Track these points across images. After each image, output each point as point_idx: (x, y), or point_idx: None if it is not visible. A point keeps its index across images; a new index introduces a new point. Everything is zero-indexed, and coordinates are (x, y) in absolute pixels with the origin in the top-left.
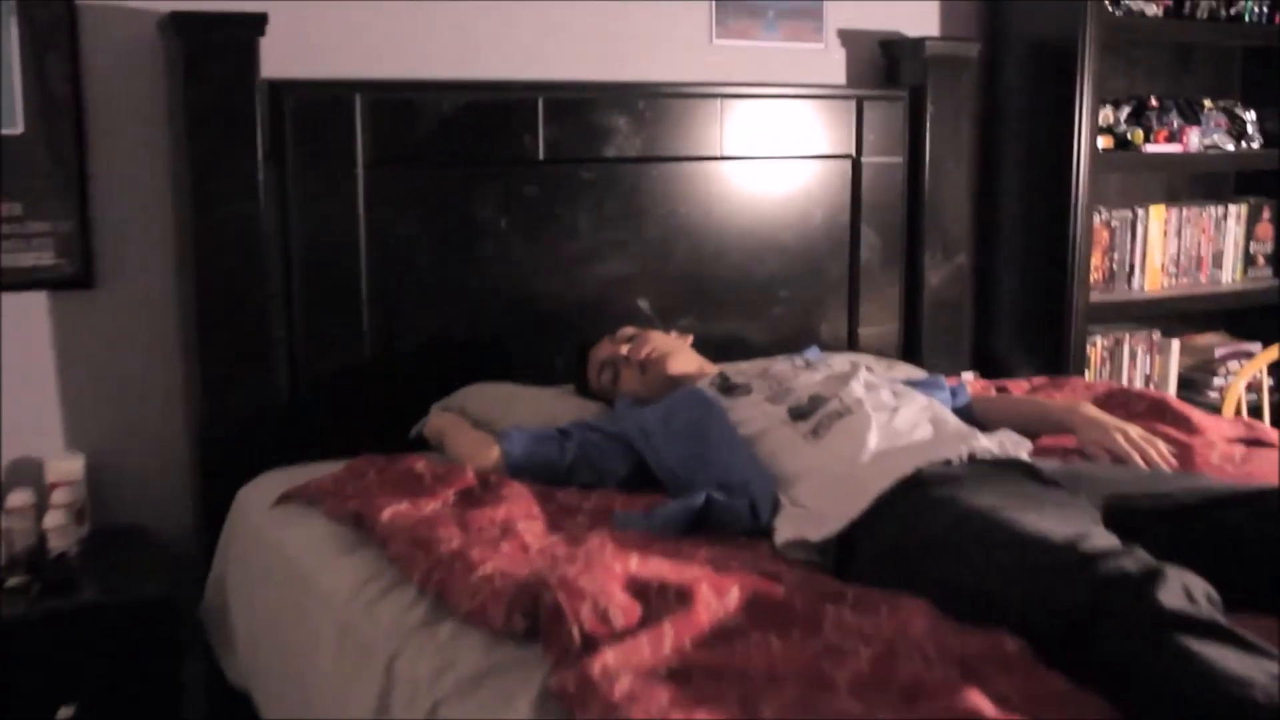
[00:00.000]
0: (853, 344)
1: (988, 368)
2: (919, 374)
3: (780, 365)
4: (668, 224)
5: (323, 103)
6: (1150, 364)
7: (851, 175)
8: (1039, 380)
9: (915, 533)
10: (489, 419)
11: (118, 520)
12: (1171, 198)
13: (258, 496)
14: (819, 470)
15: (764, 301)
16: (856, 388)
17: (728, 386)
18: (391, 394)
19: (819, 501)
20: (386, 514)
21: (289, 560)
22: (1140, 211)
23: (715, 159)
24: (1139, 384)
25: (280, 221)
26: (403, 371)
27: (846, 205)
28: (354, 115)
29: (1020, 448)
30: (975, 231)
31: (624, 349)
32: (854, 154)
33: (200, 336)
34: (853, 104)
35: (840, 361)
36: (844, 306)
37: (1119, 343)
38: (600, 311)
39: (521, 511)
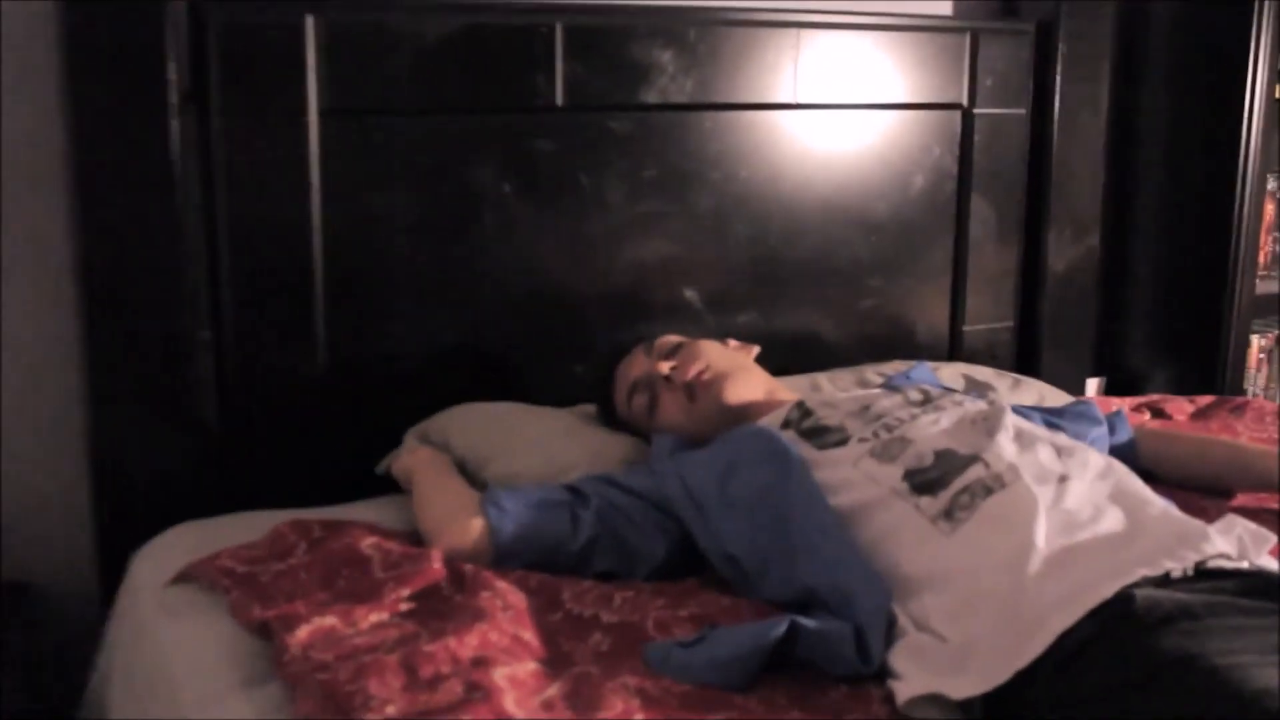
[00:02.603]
0: (955, 345)
1: (1116, 375)
2: (1054, 394)
3: (886, 400)
4: (724, 192)
5: (260, 28)
6: None
7: (961, 130)
8: (1203, 400)
9: (1129, 708)
10: (478, 458)
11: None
12: None
13: (156, 565)
14: (960, 578)
15: (847, 292)
16: (1005, 443)
17: (812, 428)
18: (354, 419)
19: (963, 630)
20: (303, 634)
21: (173, 689)
22: None
23: (787, 107)
24: None
25: (203, 194)
26: (370, 389)
27: (954, 169)
28: (303, 45)
29: (1262, 545)
30: (1106, 205)
31: (665, 366)
32: (965, 103)
33: (90, 346)
34: (965, 39)
35: (954, 386)
36: (946, 298)
37: (1278, 342)
38: (634, 307)
39: (506, 637)
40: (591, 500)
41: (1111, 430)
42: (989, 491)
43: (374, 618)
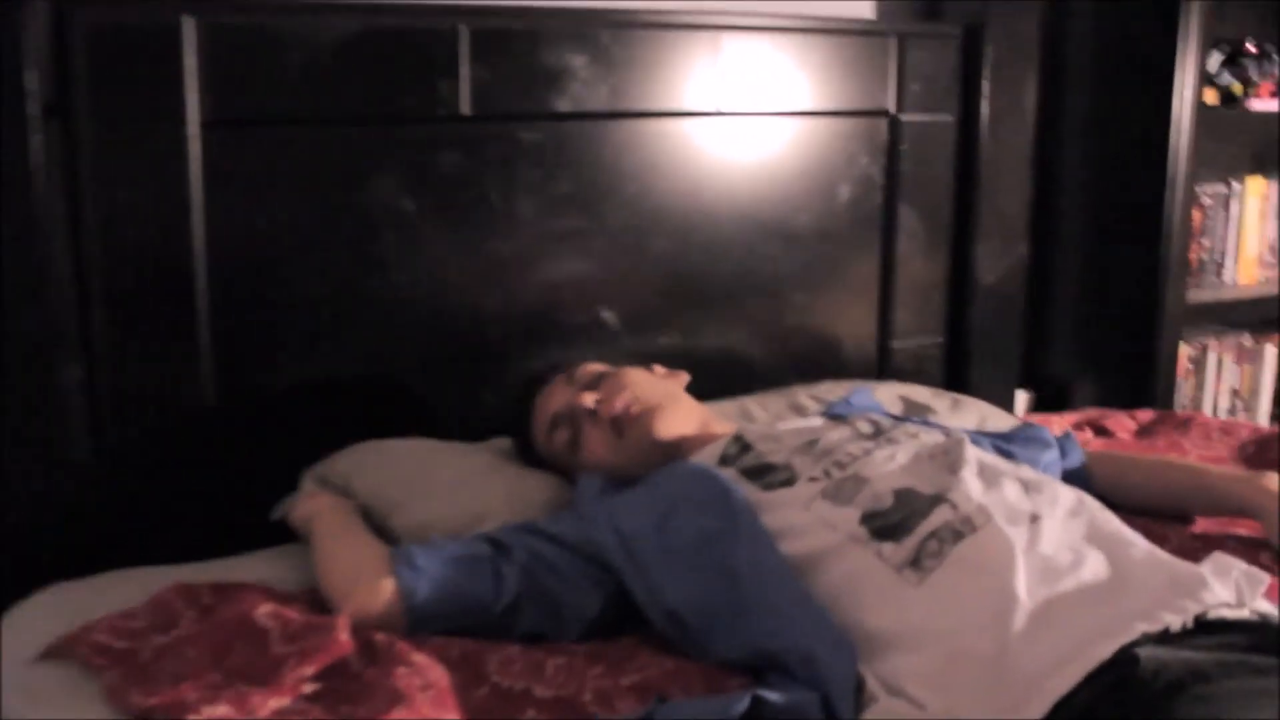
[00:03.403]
0: (884, 362)
1: (1042, 388)
2: (996, 415)
3: (833, 433)
4: (642, 206)
5: (132, 30)
6: (1240, 377)
7: (888, 138)
8: (1144, 415)
9: None
10: (384, 505)
11: None
12: (1262, 168)
13: (19, 636)
14: (934, 635)
15: (771, 309)
16: (970, 481)
17: (755, 466)
18: (245, 458)
19: (943, 697)
20: None
21: None
22: (1236, 186)
23: (707, 115)
24: (1225, 401)
25: (70, 212)
26: (262, 425)
27: (881, 179)
28: (181, 49)
29: (1258, 587)
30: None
31: (589, 398)
32: (892, 109)
33: None
34: (891, 43)
35: (891, 411)
36: (873, 312)
37: (1204, 351)
38: (547, 330)
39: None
40: (515, 553)
41: (1062, 454)
42: (959, 536)
43: (274, 704)
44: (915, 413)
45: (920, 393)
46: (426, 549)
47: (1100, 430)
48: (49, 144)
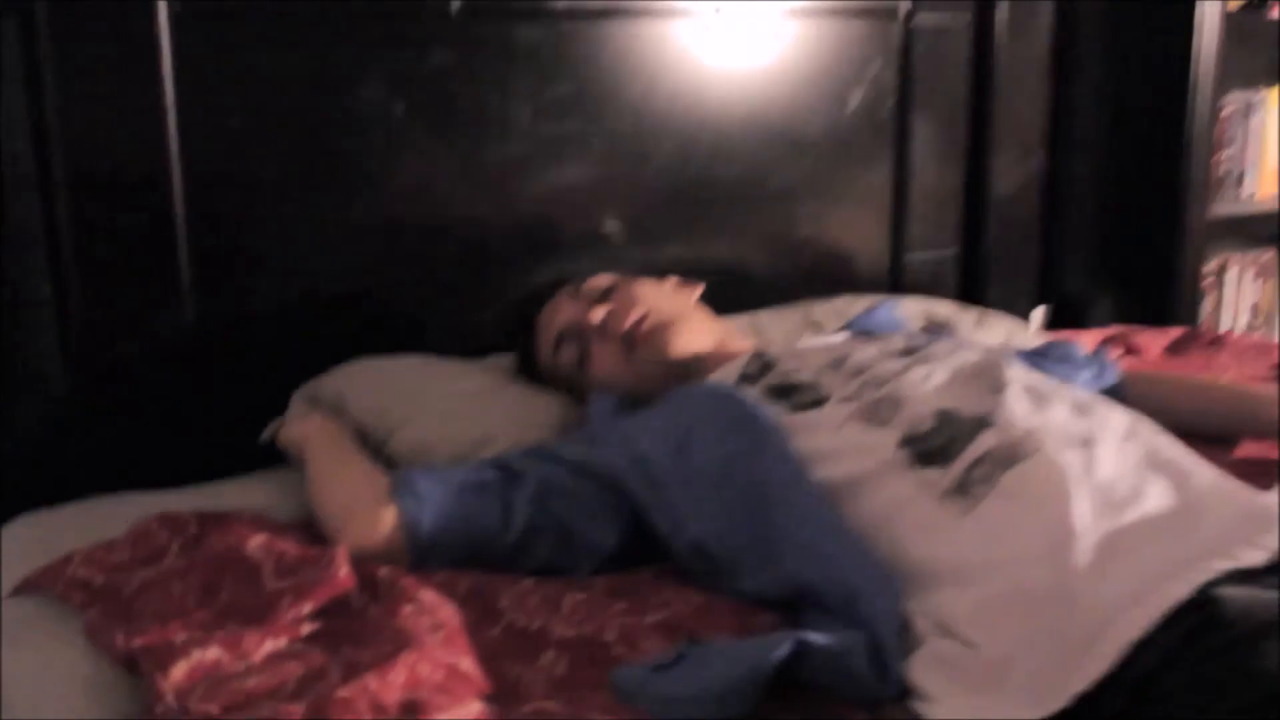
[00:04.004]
0: (897, 275)
1: (1057, 304)
2: (1023, 333)
3: (863, 350)
4: (645, 110)
5: None
6: (1261, 292)
7: (901, 40)
8: (1174, 332)
9: None
10: (382, 427)
11: None
12: None
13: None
14: (986, 569)
15: (780, 220)
16: (1015, 402)
17: (780, 386)
18: (229, 379)
19: (997, 636)
20: (180, 673)
21: None
22: (1256, 96)
23: (713, 10)
24: (1244, 318)
25: (32, 120)
26: (246, 343)
27: (893, 83)
28: None
29: None
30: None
31: (597, 313)
32: (904, 10)
33: None
34: None
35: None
36: (886, 225)
37: (1224, 266)
38: (546, 241)
39: (440, 669)
40: (526, 480)
41: (1098, 373)
42: (1008, 463)
43: (269, 646)
44: (938, 329)
45: (942, 308)
46: (429, 474)
47: (1127, 349)
48: (4, 42)
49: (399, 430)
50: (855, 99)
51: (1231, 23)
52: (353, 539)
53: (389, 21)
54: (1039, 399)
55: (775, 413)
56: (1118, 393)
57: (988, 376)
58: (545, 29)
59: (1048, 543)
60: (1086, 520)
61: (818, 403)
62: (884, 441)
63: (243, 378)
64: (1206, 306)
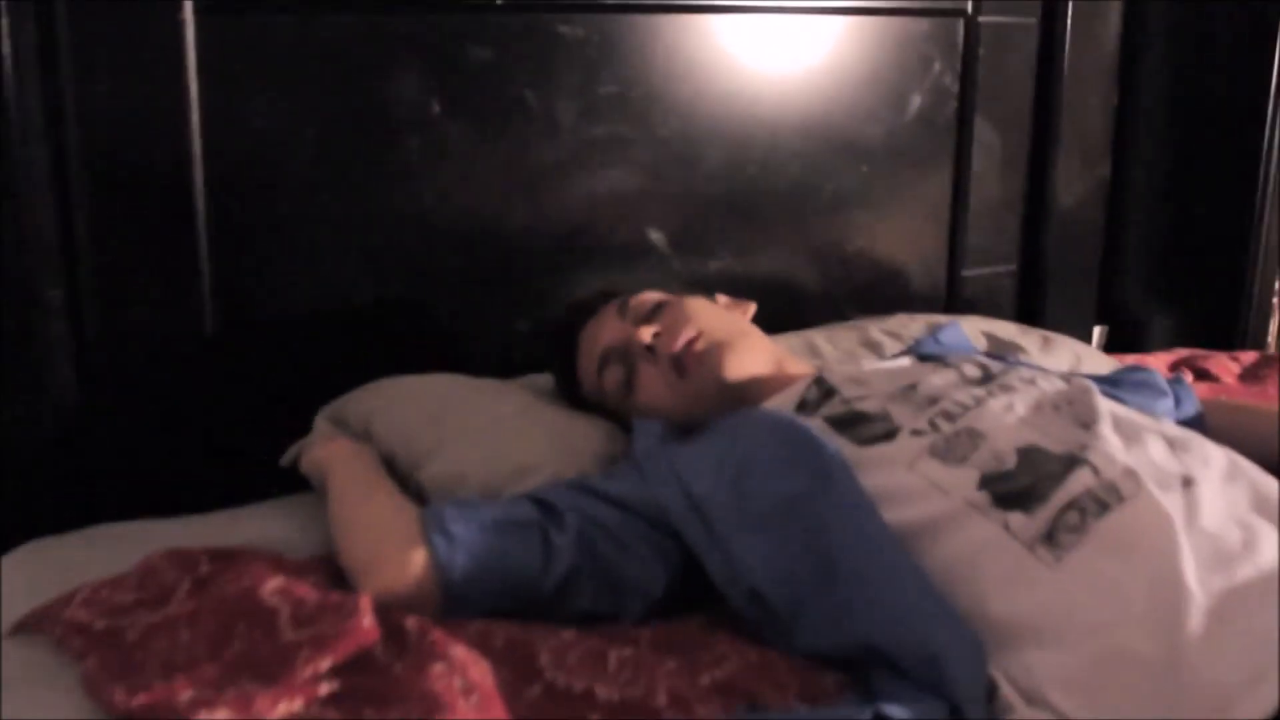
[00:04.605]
0: (953, 292)
1: (1115, 324)
2: (1091, 355)
3: (936, 377)
4: (694, 112)
5: None
6: None
7: (964, 42)
8: (1247, 357)
9: None
10: (411, 454)
11: None
12: None
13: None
14: (1081, 632)
15: (834, 232)
16: (1108, 436)
17: (845, 416)
18: (250, 395)
19: (1098, 709)
20: None
21: None
22: None
23: (770, 11)
24: None
25: (47, 110)
26: (269, 357)
27: (955, 87)
28: None
29: None
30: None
31: (646, 332)
32: (968, 8)
33: None
34: None
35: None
36: (943, 238)
37: None
38: (588, 251)
39: None
40: (568, 519)
41: (1176, 403)
42: (1104, 507)
43: (283, 708)
44: (1003, 351)
45: (1006, 329)
46: (462, 510)
47: (1201, 373)
48: (19, 31)
49: (429, 458)
50: (915, 103)
51: None
52: (379, 583)
53: (425, 12)
54: (1132, 433)
55: (839, 446)
56: (1198, 424)
57: (1076, 408)
58: (590, 24)
59: (1154, 602)
60: (1196, 576)
61: (888, 435)
62: (962, 480)
63: (264, 392)
64: (1271, 328)
